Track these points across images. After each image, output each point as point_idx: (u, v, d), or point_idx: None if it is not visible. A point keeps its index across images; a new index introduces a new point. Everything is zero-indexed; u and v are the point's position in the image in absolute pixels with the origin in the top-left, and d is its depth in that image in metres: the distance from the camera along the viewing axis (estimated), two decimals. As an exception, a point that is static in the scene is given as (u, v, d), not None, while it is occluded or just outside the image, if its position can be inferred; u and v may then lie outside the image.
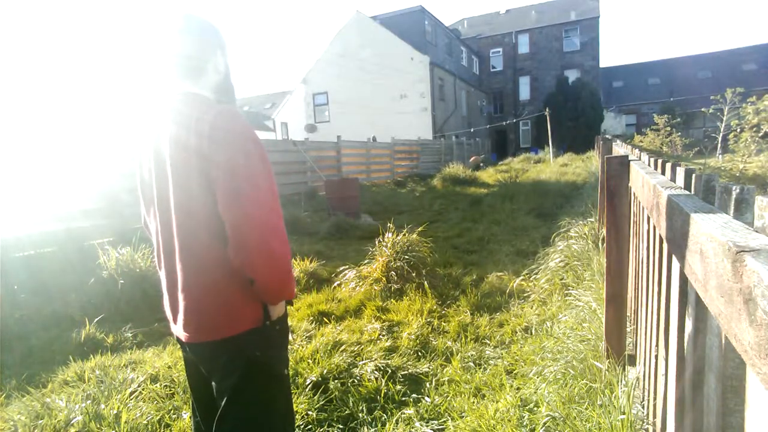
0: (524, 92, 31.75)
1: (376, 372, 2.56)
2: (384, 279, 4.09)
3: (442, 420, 2.10)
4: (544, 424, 1.77)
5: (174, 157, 1.17)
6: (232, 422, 1.24)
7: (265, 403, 1.28)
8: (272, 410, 1.30)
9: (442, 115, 23.46)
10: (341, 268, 4.49)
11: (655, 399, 1.41)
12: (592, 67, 29.58)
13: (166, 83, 1.24)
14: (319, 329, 3.31)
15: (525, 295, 3.73)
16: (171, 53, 1.20)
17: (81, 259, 4.64)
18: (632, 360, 2.03)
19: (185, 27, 1.20)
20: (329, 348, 2.85)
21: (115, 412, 2.14)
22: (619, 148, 5.80)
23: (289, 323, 3.48)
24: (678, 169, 1.31)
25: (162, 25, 1.20)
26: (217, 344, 1.19)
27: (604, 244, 2.21)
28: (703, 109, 11.54)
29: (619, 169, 2.06)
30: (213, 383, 1.28)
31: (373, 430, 2.09)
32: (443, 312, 3.54)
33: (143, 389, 2.45)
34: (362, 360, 2.71)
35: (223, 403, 1.24)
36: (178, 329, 1.25)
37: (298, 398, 2.26)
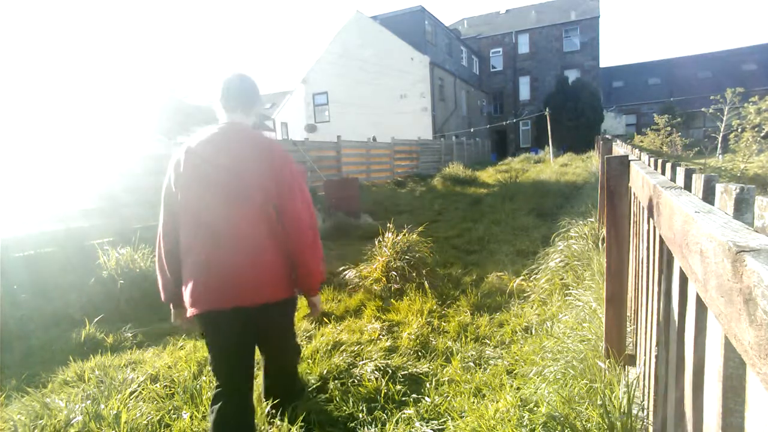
0: (524, 92, 31.73)
1: (376, 372, 2.56)
2: (384, 279, 4.09)
3: (442, 420, 2.10)
4: (544, 424, 1.77)
5: (242, 167, 1.72)
6: (286, 351, 2.01)
7: (294, 337, 2.06)
8: (295, 340, 2.11)
9: (442, 115, 23.46)
10: (341, 268, 4.49)
11: (655, 399, 1.41)
12: (592, 67, 29.57)
13: (224, 112, 1.85)
14: (319, 329, 3.31)
15: (525, 295, 3.72)
16: (238, 93, 1.84)
17: (81, 259, 4.64)
18: (632, 360, 2.02)
19: (248, 79, 1.89)
20: (329, 348, 2.86)
21: (115, 412, 2.13)
22: (619, 148, 5.80)
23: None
24: (678, 169, 1.31)
25: (230, 77, 1.84)
26: (280, 304, 1.77)
27: (604, 244, 2.21)
28: (703, 109, 11.55)
29: (619, 169, 2.06)
30: (260, 334, 1.86)
31: (373, 430, 2.09)
32: (443, 312, 3.54)
33: (143, 389, 2.45)
34: (362, 360, 2.71)
35: (274, 343, 1.95)
36: (250, 296, 1.68)
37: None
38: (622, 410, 1.57)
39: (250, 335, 1.81)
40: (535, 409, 1.94)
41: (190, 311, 1.69)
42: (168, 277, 1.81)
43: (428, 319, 3.35)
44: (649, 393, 1.54)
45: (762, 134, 8.08)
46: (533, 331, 2.91)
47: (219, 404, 1.72)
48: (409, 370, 2.63)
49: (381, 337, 3.11)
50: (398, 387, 2.44)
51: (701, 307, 0.88)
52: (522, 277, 4.04)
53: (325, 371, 2.55)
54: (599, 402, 1.70)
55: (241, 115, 1.84)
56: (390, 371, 2.58)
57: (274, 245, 1.71)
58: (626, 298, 2.10)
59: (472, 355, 2.75)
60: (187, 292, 1.69)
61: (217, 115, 1.89)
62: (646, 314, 1.61)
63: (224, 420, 1.71)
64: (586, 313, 2.60)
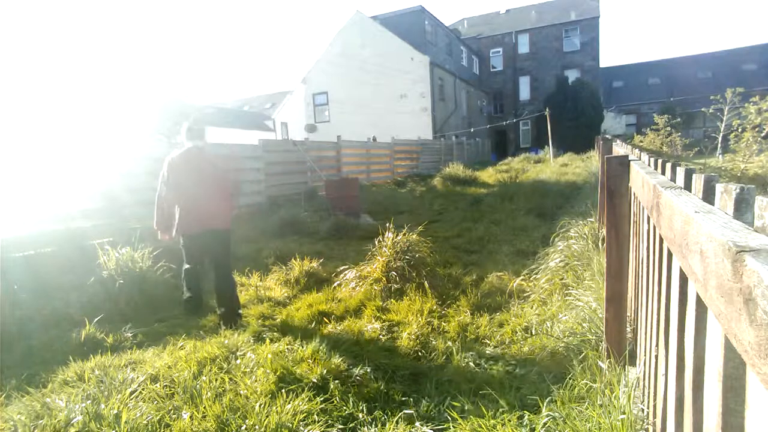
0: (524, 92, 31.73)
1: (376, 372, 2.56)
2: (384, 279, 4.09)
3: (442, 420, 2.10)
4: (544, 424, 1.77)
5: (210, 168, 3.69)
6: (225, 263, 3.71)
7: (230, 260, 3.86)
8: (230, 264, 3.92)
9: (442, 115, 23.46)
10: (341, 268, 4.49)
11: (655, 399, 1.41)
12: (592, 67, 29.57)
13: (188, 140, 3.68)
14: (319, 329, 3.30)
15: (525, 295, 3.72)
16: (197, 130, 3.75)
17: (81, 259, 4.64)
18: (632, 360, 2.03)
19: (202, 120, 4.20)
20: (329, 348, 2.85)
21: (115, 412, 2.13)
22: (619, 148, 5.80)
23: (289, 323, 3.49)
24: (678, 169, 1.31)
25: (191, 120, 4.40)
26: (226, 231, 3.70)
27: (604, 244, 2.21)
28: (703, 109, 11.53)
29: (619, 169, 2.06)
30: (215, 248, 3.68)
31: (373, 430, 2.09)
32: (443, 312, 3.54)
33: (143, 389, 2.45)
34: (362, 360, 2.71)
35: (222, 257, 3.69)
36: (211, 224, 3.57)
37: (298, 398, 2.26)
38: (622, 410, 1.57)
39: (209, 246, 3.66)
40: (536, 409, 1.94)
41: (184, 232, 3.58)
42: (163, 216, 3.64)
43: (428, 319, 3.35)
44: (649, 393, 1.54)
45: (762, 134, 8.07)
46: (533, 331, 2.91)
47: (187, 268, 3.75)
48: (409, 370, 2.63)
49: (381, 337, 3.11)
50: (398, 387, 2.44)
51: (701, 307, 0.88)
52: (522, 277, 4.04)
53: (325, 371, 2.55)
54: (599, 402, 1.70)
55: (199, 142, 3.70)
56: (390, 371, 2.58)
57: (224, 202, 3.63)
58: (626, 298, 2.10)
59: (472, 355, 2.75)
60: (182, 223, 3.54)
61: (184, 140, 3.67)
62: (646, 314, 1.61)
63: (190, 274, 3.77)
64: (586, 313, 2.60)
